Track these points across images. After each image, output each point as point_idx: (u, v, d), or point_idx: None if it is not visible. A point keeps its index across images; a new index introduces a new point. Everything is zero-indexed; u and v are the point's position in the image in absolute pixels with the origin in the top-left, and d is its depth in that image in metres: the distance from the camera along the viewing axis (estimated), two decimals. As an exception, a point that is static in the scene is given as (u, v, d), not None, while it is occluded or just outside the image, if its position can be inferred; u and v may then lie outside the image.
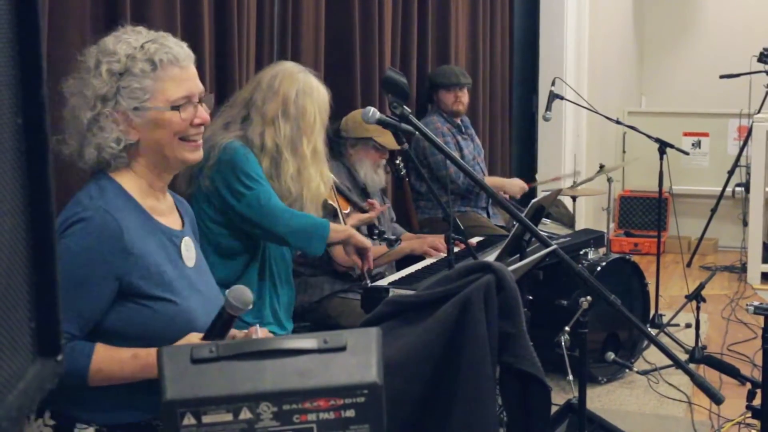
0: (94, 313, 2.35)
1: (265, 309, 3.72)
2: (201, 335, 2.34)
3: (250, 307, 2.30)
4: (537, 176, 7.73)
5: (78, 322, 2.33)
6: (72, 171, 2.65)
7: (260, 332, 2.51)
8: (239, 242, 3.66)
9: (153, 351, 2.28)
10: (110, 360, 2.33)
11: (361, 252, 3.84)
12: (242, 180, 3.53)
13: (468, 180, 5.86)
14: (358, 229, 4.12)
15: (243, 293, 2.28)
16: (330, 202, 4.10)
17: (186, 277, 2.51)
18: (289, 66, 3.74)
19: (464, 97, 6.17)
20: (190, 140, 2.51)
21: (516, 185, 6.35)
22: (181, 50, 2.50)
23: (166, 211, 2.58)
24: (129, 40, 2.44)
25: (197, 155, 2.56)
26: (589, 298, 3.48)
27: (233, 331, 2.57)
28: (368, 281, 3.90)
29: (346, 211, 4.27)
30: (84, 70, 2.44)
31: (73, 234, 2.33)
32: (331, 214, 4.13)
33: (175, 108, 2.45)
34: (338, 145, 4.72)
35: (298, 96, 3.64)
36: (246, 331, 2.50)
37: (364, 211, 4.36)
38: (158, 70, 2.43)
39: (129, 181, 2.48)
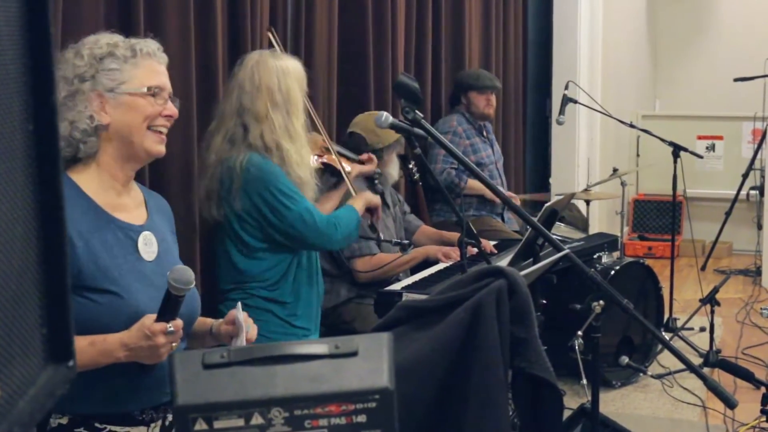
0: None
1: (300, 307, 3.75)
2: (154, 316, 2.37)
3: (192, 285, 2.34)
4: (551, 180, 7.72)
5: None
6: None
7: (240, 313, 2.61)
8: (277, 255, 3.69)
9: (108, 337, 2.37)
10: None
11: (371, 209, 4.06)
12: (280, 199, 3.58)
13: (450, 179, 5.84)
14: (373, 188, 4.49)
15: (183, 273, 2.32)
16: (337, 167, 4.19)
17: (139, 271, 2.55)
18: (256, 56, 3.71)
19: (494, 101, 6.21)
20: (156, 131, 2.60)
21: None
22: (159, 49, 2.63)
23: (128, 207, 2.64)
24: (111, 36, 2.59)
25: (161, 148, 2.63)
26: (601, 302, 3.48)
27: (208, 320, 2.73)
28: (380, 234, 4.05)
29: (349, 169, 4.34)
30: (62, 61, 2.53)
31: None
32: (335, 175, 4.25)
33: (149, 93, 2.57)
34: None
35: (279, 81, 3.64)
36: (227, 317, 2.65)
37: (361, 163, 4.48)
38: (138, 57, 2.56)
39: (88, 179, 2.54)
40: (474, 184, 6.02)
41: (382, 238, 4.27)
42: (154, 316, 2.37)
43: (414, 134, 3.36)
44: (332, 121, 4.86)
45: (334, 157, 4.17)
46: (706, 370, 4.14)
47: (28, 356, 1.18)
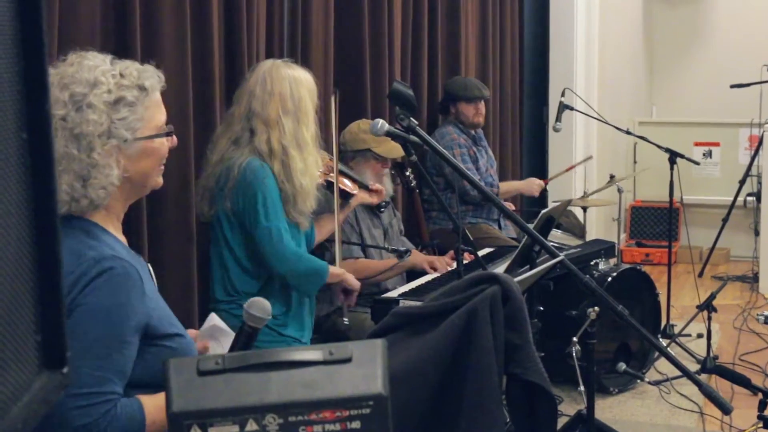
0: (131, 365, 2.28)
1: (290, 317, 3.77)
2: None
3: (270, 316, 2.33)
4: (548, 186, 7.72)
5: (122, 379, 2.26)
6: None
7: (215, 320, 2.60)
8: (258, 267, 3.71)
9: None
10: (159, 409, 2.24)
11: (347, 291, 4.01)
12: (259, 208, 3.60)
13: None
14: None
15: (263, 304, 2.32)
16: (341, 186, 4.18)
17: (165, 305, 2.44)
18: (269, 64, 3.77)
19: (483, 109, 6.20)
20: (162, 166, 2.45)
21: (533, 185, 6.37)
22: (159, 77, 2.41)
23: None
24: (98, 66, 2.32)
25: (162, 180, 2.49)
26: (596, 308, 3.48)
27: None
28: (345, 319, 3.99)
29: (354, 192, 4.33)
30: (58, 105, 2.26)
31: (99, 290, 2.21)
32: (341, 196, 4.23)
33: (162, 135, 2.40)
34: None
35: (292, 89, 3.69)
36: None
37: (369, 190, 4.47)
38: (148, 96, 2.34)
39: (105, 220, 2.37)
40: (507, 187, 6.29)
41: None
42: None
43: (410, 141, 3.37)
44: (329, 128, 4.85)
45: (336, 175, 4.17)
46: (703, 377, 4.15)
47: (22, 363, 1.18)
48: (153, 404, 2.27)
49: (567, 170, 7.10)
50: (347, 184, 4.31)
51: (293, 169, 3.65)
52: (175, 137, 2.47)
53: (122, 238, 2.42)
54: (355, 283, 4.00)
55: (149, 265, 2.52)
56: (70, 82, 2.27)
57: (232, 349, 2.37)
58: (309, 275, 3.74)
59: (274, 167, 3.65)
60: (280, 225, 3.63)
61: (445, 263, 4.64)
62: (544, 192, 7.52)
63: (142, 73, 2.35)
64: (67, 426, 2.21)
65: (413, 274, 4.76)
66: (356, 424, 1.65)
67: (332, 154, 4.16)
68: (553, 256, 3.04)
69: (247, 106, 3.69)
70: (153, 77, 2.37)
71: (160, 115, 2.39)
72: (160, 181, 2.47)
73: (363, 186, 4.44)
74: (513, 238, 6.02)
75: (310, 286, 3.79)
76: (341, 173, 4.29)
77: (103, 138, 2.27)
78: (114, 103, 2.28)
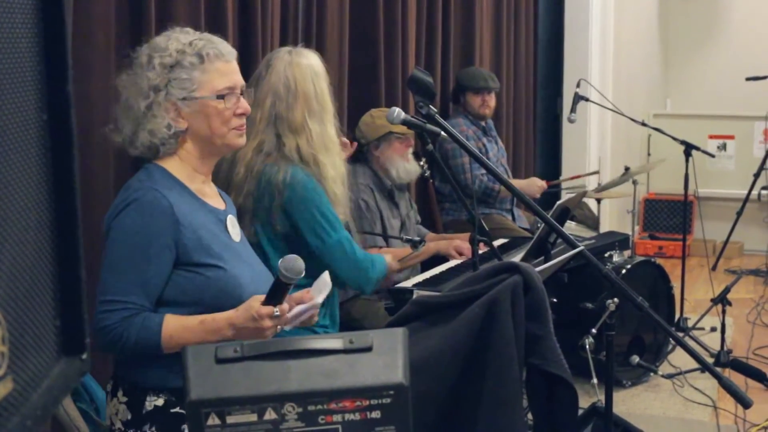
0: (158, 282, 2.58)
1: (326, 308, 3.68)
2: (261, 298, 2.51)
3: (302, 275, 2.42)
4: (562, 178, 7.69)
5: (145, 293, 2.56)
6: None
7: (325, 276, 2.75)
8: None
9: (218, 317, 2.54)
10: (180, 328, 2.54)
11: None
12: (322, 223, 3.40)
13: (484, 185, 5.86)
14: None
15: (294, 263, 2.40)
16: None
17: (233, 249, 2.73)
18: (287, 58, 3.47)
19: (491, 101, 6.15)
20: (234, 128, 2.74)
21: (534, 185, 6.26)
22: (226, 46, 2.74)
23: (211, 194, 2.81)
24: (179, 38, 2.69)
25: (242, 140, 2.79)
26: (616, 300, 3.46)
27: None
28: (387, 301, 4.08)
29: None
30: (137, 66, 2.67)
31: (128, 214, 2.56)
32: None
33: (220, 97, 2.68)
34: (361, 153, 4.67)
35: (315, 86, 3.44)
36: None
37: None
38: (205, 63, 2.67)
39: (175, 167, 2.70)
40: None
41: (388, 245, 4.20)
42: (261, 297, 2.52)
43: (426, 130, 3.32)
44: (343, 117, 4.84)
45: None
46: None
47: (42, 348, 1.16)
48: (176, 321, 2.55)
49: (571, 179, 7.05)
50: None
51: (325, 178, 3.41)
52: (244, 104, 2.75)
53: (195, 187, 2.73)
54: (394, 264, 3.95)
55: (230, 216, 2.83)
56: (152, 48, 2.68)
57: (268, 296, 2.50)
58: (380, 277, 3.67)
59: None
60: (347, 234, 3.46)
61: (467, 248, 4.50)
62: (556, 184, 7.49)
63: (207, 44, 2.69)
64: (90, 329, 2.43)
65: (429, 262, 4.73)
66: (376, 414, 1.63)
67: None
68: (573, 246, 3.01)
69: (271, 110, 3.41)
70: (216, 48, 2.69)
71: (218, 82, 2.68)
72: (237, 141, 2.78)
73: None
74: (526, 229, 6.00)
75: (378, 284, 3.74)
76: None
77: (161, 94, 2.63)
78: (172, 66, 2.64)
